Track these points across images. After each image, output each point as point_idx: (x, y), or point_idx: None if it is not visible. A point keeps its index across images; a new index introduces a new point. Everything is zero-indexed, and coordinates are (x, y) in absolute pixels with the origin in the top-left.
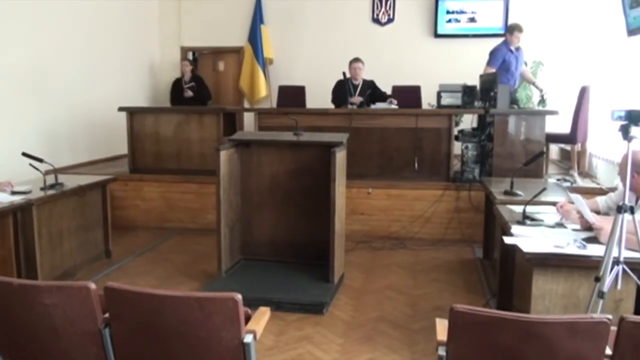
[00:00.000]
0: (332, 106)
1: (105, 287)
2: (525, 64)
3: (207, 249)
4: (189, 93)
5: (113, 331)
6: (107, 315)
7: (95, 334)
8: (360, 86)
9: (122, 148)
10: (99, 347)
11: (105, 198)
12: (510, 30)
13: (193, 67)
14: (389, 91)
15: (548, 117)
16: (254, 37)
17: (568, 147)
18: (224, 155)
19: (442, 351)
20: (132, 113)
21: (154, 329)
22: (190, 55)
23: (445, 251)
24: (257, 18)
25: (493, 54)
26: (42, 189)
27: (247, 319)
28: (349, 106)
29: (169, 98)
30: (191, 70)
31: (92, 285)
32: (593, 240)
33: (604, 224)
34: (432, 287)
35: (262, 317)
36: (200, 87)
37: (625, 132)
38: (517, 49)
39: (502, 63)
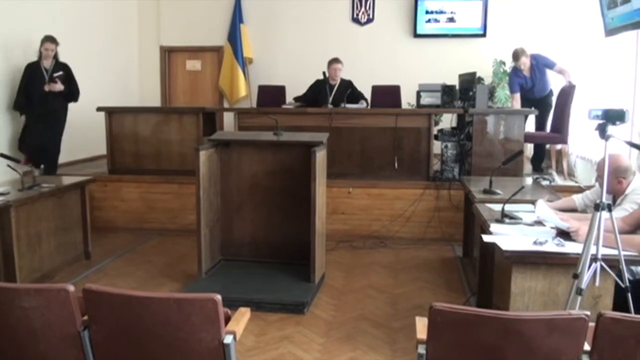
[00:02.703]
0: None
1: (84, 289)
2: (548, 64)
3: (187, 250)
4: (58, 86)
5: (92, 333)
6: (86, 317)
7: (74, 336)
8: (337, 86)
9: (101, 148)
10: (78, 350)
11: (84, 199)
12: (514, 58)
13: (57, 52)
14: (368, 90)
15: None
16: (234, 36)
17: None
18: (203, 155)
19: (422, 349)
20: (111, 113)
21: (134, 331)
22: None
23: (426, 250)
24: (237, 17)
25: (509, 83)
26: (20, 190)
27: (227, 319)
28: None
29: (18, 89)
30: (55, 56)
31: (71, 288)
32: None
33: (580, 224)
34: (413, 286)
35: (242, 317)
36: (71, 80)
37: (602, 131)
38: (531, 66)
39: (521, 88)
